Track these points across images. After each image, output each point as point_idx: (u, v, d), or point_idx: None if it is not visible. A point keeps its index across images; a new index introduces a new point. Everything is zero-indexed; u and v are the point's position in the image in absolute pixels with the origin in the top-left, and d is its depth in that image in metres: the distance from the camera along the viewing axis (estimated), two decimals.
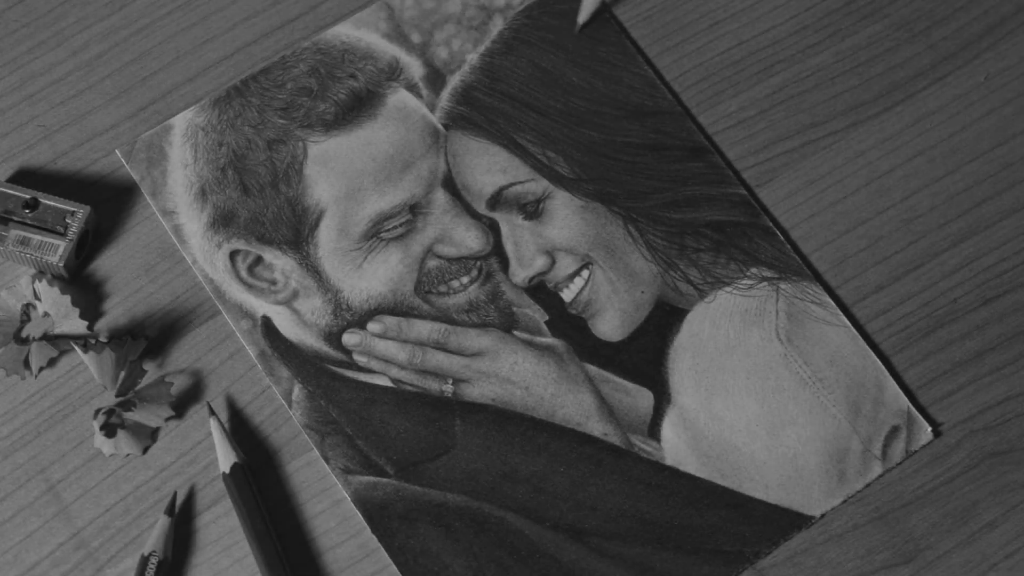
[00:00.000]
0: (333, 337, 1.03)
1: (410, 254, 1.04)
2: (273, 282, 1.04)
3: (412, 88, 1.08)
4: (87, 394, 1.01)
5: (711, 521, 1.00)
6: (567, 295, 1.05)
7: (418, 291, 1.04)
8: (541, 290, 1.05)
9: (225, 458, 0.99)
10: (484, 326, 1.03)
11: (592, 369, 1.03)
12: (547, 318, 1.04)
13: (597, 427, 1.01)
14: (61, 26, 1.09)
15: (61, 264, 1.01)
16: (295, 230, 1.04)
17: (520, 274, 1.05)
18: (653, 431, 1.02)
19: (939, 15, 1.12)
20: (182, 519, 0.99)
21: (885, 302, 1.05)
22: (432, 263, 1.04)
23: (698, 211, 1.06)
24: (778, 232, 1.06)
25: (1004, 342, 1.05)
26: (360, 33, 1.10)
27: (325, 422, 1.01)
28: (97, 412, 0.99)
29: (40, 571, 0.98)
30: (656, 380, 1.03)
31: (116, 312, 1.03)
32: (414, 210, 1.05)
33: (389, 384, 1.02)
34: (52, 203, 1.02)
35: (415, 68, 1.09)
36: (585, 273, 1.05)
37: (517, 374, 1.02)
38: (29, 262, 1.02)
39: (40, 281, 1.02)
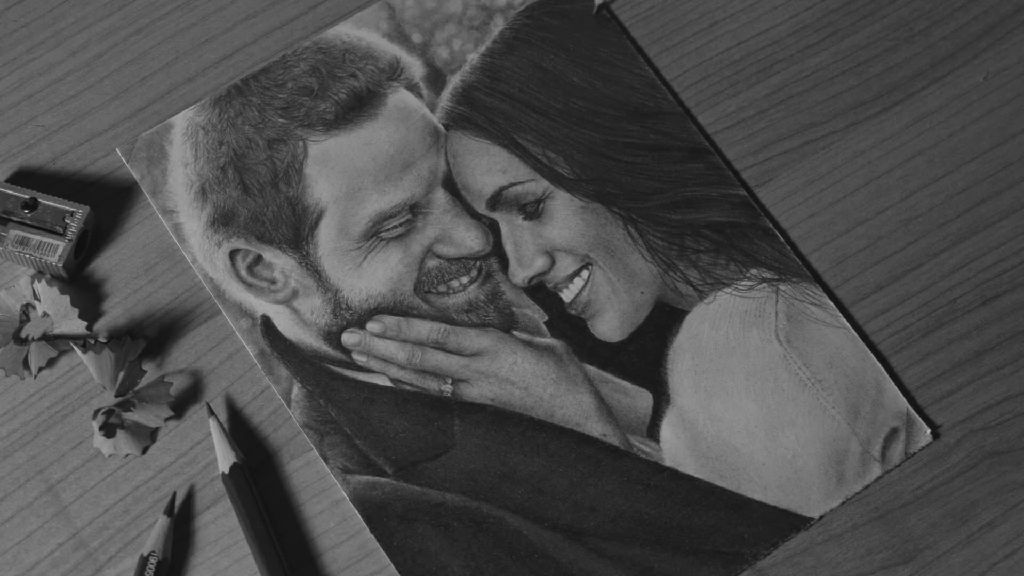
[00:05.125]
0: (332, 336, 1.03)
1: (410, 254, 1.04)
2: (273, 281, 1.04)
3: (413, 88, 1.08)
4: (86, 394, 1.01)
5: (710, 522, 1.00)
6: (567, 295, 1.05)
7: (418, 291, 1.04)
8: (540, 290, 1.05)
9: (224, 458, 0.99)
10: (483, 326, 1.03)
11: (591, 369, 1.03)
12: (546, 318, 1.04)
13: (596, 427, 1.02)
14: (60, 26, 1.09)
15: (60, 264, 1.01)
16: (295, 229, 1.04)
17: (520, 274, 1.05)
18: (652, 432, 1.02)
19: (938, 15, 1.12)
20: (181, 519, 0.99)
21: (884, 302, 1.05)
22: (432, 263, 1.04)
23: (698, 212, 1.06)
24: (778, 234, 1.06)
25: (1003, 342, 1.05)
26: (361, 33, 1.10)
27: (324, 422, 1.01)
28: (96, 412, 0.99)
29: (39, 571, 0.98)
30: (655, 381, 1.03)
31: (115, 312, 1.03)
32: (414, 210, 1.05)
33: (388, 384, 1.02)
34: (51, 203, 1.02)
35: (416, 68, 1.09)
36: (585, 274, 1.05)
37: (516, 374, 1.02)
38: (28, 262, 1.02)
39: (39, 281, 1.02)
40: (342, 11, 1.11)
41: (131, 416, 1.00)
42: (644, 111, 1.09)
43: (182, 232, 1.05)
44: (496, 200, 1.06)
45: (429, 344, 1.03)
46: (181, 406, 1.02)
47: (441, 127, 1.07)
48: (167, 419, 1.01)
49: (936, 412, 1.03)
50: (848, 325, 1.04)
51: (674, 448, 1.01)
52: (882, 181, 1.08)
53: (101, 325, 1.03)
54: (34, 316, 1.02)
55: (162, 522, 0.98)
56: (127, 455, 1.00)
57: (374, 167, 1.06)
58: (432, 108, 1.08)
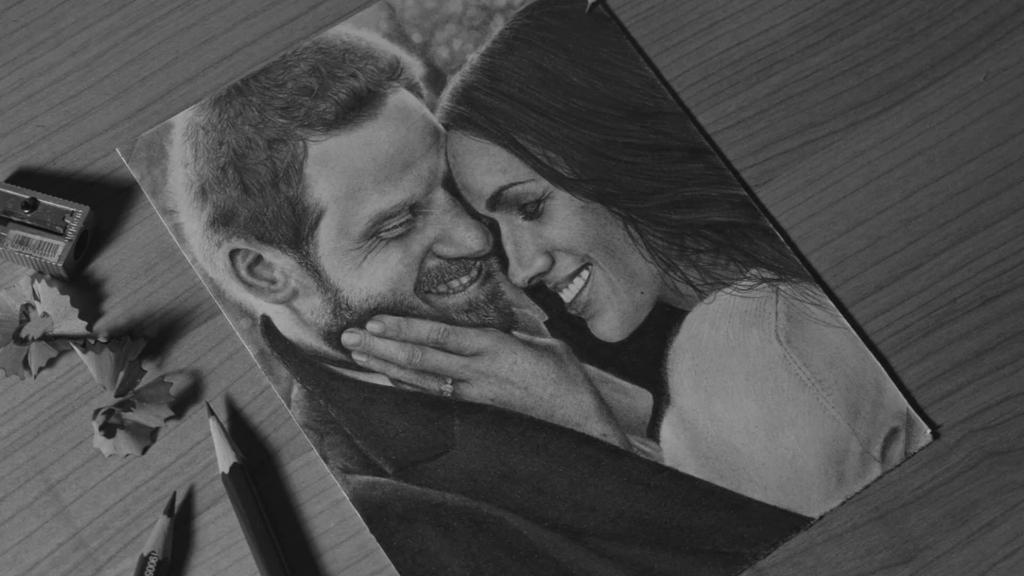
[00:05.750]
0: (332, 336, 1.03)
1: (410, 254, 1.04)
2: (273, 281, 1.04)
3: (413, 88, 1.08)
4: (86, 394, 1.01)
5: (710, 522, 1.00)
6: (567, 295, 1.05)
7: (418, 291, 1.04)
8: (540, 290, 1.05)
9: (224, 458, 0.99)
10: (483, 326, 1.03)
11: (591, 369, 1.03)
12: (546, 318, 1.04)
13: (596, 427, 1.01)
14: (60, 26, 1.09)
15: (60, 264, 1.01)
16: (295, 229, 1.04)
17: (520, 274, 1.05)
18: (652, 432, 1.02)
19: (938, 15, 1.12)
20: (181, 519, 0.99)
21: (884, 302, 1.05)
22: (432, 263, 1.04)
23: (698, 212, 1.06)
24: (778, 234, 1.06)
25: (1003, 342, 1.05)
26: (361, 33, 1.10)
27: (324, 422, 1.01)
28: (96, 412, 0.99)
29: (39, 571, 0.98)
30: (655, 381, 1.03)
31: (115, 312, 1.03)
32: (414, 210, 1.05)
33: (388, 384, 1.02)
34: (51, 203, 1.02)
35: (416, 68, 1.09)
36: (585, 274, 1.05)
37: (516, 374, 1.02)
38: (28, 262, 1.02)
39: (39, 281, 1.02)
40: (342, 11, 1.11)
41: (131, 416, 1.00)
42: (644, 111, 1.09)
43: (182, 232, 1.05)
44: (496, 200, 1.06)
45: (429, 344, 1.03)
46: (181, 406, 1.02)
47: (441, 127, 1.07)
48: (167, 419, 1.01)
49: (936, 412, 1.03)
50: (848, 325, 1.04)
51: (674, 448, 1.01)
52: (882, 181, 1.08)
53: (101, 325, 1.03)
54: (34, 316, 1.02)
55: (162, 522, 0.98)
56: (127, 455, 1.00)
57: (374, 167, 1.06)
58: (432, 108, 1.08)
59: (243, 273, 1.04)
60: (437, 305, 1.04)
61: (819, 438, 1.02)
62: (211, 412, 1.00)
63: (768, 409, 1.02)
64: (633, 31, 1.11)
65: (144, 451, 1.00)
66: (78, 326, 1.01)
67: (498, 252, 1.05)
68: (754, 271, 1.05)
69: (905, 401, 1.03)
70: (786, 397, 1.02)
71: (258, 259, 1.04)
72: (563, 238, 1.05)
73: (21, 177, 1.06)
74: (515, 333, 1.03)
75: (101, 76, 1.08)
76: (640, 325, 1.04)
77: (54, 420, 1.01)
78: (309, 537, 0.99)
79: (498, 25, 1.11)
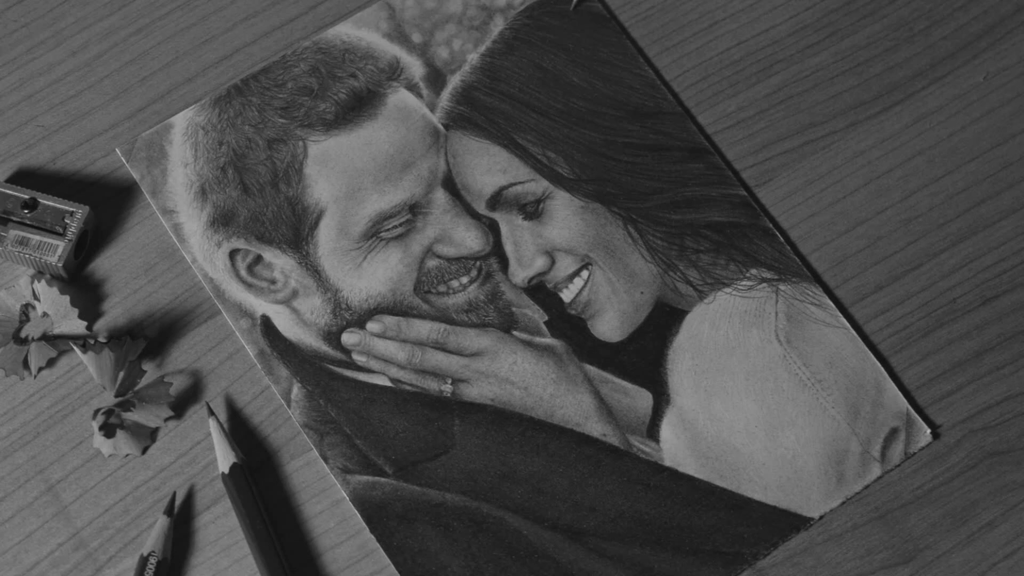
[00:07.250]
0: (332, 336, 1.03)
1: (410, 254, 1.04)
2: (272, 281, 1.04)
3: (412, 88, 1.08)
4: (86, 394, 1.01)
5: (710, 522, 1.00)
6: (566, 295, 1.05)
7: (417, 291, 1.04)
8: (540, 290, 1.05)
9: (224, 458, 0.99)
10: (483, 326, 1.03)
11: (591, 369, 1.03)
12: (546, 318, 1.04)
13: (596, 427, 1.01)
14: (60, 26, 1.09)
15: (60, 264, 1.01)
16: (295, 229, 1.04)
17: (520, 274, 1.05)
18: (652, 432, 1.02)
19: (938, 15, 1.12)
20: (181, 519, 0.99)
21: (884, 302, 1.05)
22: (432, 263, 1.04)
23: (698, 212, 1.06)
24: (778, 234, 1.06)
25: (1003, 342, 1.05)
26: (361, 33, 1.10)
27: (324, 422, 1.01)
28: (96, 412, 0.99)
29: (39, 571, 0.98)
30: (655, 381, 1.03)
31: (115, 312, 1.03)
32: (414, 210, 1.05)
33: (388, 384, 1.02)
34: (51, 203, 1.02)
35: (416, 68, 1.09)
36: (585, 274, 1.05)
37: (516, 374, 1.02)
38: (28, 262, 1.02)
39: (39, 281, 1.02)
40: (342, 11, 1.11)
41: (131, 416, 1.00)
42: (644, 111, 1.09)
43: (182, 232, 1.05)
44: (496, 200, 1.06)
45: (429, 344, 1.03)
46: (181, 406, 1.02)
47: (441, 127, 1.07)
48: (167, 419, 1.01)
49: (936, 412, 1.03)
50: (848, 325, 1.04)
51: (674, 448, 1.01)
52: (882, 181, 1.08)
53: (101, 325, 1.03)
54: (34, 316, 1.02)
55: (162, 522, 0.98)
56: (127, 455, 1.00)
57: (374, 167, 1.06)
58: (432, 108, 1.08)
59: (243, 273, 1.04)
60: (437, 305, 1.04)
61: (819, 438, 1.02)
62: (211, 412, 1.00)
63: (768, 409, 1.02)
64: (633, 31, 1.11)
65: (144, 451, 1.00)
66: (78, 326, 1.01)
67: (498, 252, 1.05)
68: (754, 271, 1.05)
69: (905, 401, 1.03)
70: (786, 397, 1.02)
71: (258, 259, 1.04)
72: (563, 238, 1.05)
73: (21, 177, 1.06)
74: (515, 333, 1.03)
75: (101, 76, 1.08)
76: (640, 325, 1.04)
77: (54, 420, 1.01)
78: (309, 537, 0.99)
79: (498, 25, 1.11)
